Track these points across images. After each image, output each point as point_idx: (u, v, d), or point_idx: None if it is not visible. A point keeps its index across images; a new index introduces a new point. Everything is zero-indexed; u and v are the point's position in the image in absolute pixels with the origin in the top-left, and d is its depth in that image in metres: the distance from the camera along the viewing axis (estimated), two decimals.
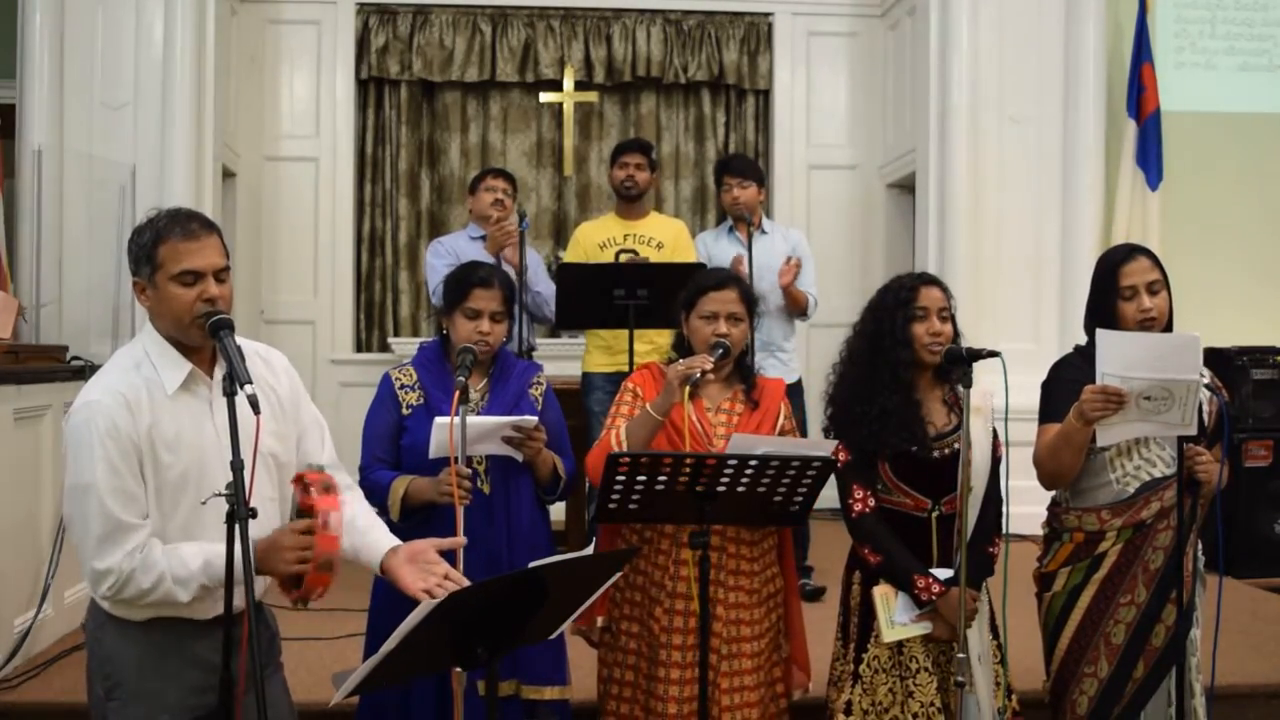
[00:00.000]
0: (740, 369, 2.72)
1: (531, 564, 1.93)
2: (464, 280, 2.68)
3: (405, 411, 2.69)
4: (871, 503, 2.60)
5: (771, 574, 2.68)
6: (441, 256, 4.22)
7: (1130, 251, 2.66)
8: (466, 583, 2.04)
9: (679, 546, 2.57)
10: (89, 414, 1.93)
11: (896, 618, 2.54)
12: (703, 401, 2.65)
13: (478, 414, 2.59)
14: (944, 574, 2.54)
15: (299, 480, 2.02)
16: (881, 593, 2.56)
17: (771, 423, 2.67)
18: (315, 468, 2.06)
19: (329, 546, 1.93)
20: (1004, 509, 2.64)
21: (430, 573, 2.04)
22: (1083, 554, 2.63)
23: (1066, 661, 2.64)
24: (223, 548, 1.85)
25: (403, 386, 2.72)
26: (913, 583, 2.53)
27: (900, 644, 2.56)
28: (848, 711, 2.58)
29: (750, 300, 2.69)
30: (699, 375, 2.52)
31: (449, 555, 2.18)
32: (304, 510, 1.98)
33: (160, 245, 1.96)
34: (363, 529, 2.14)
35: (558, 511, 4.06)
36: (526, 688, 2.65)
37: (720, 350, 2.57)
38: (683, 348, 2.71)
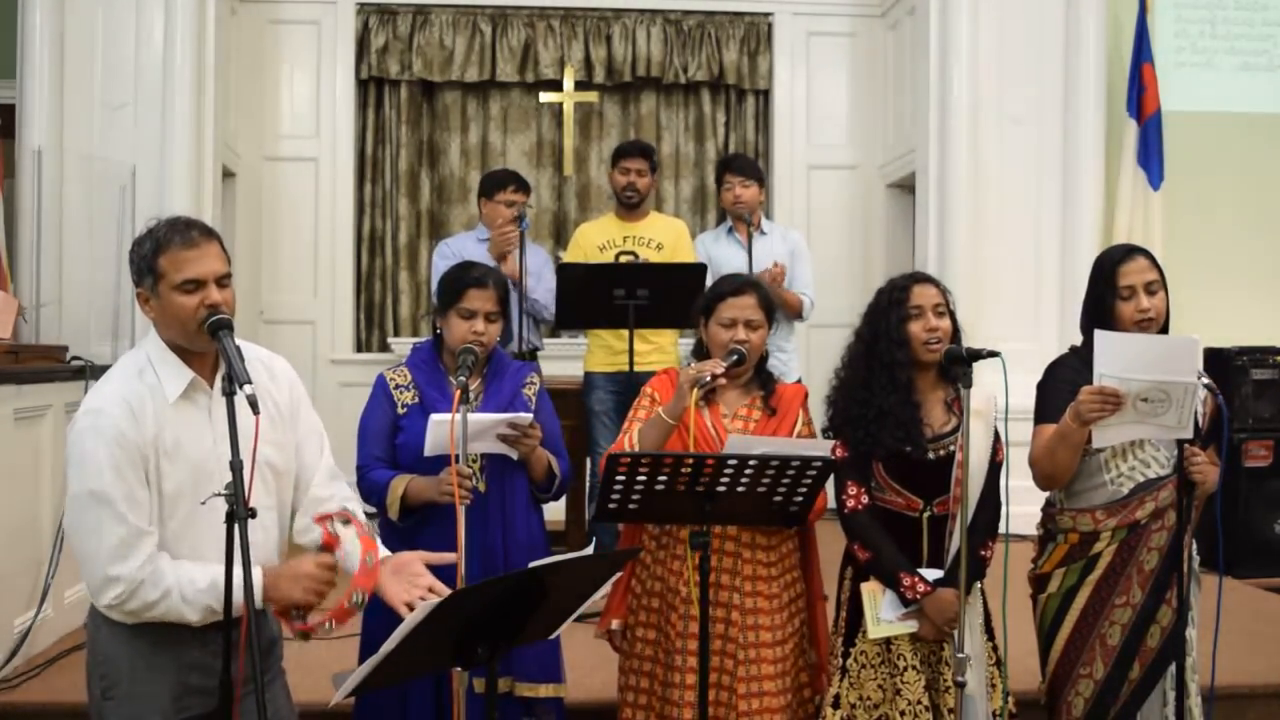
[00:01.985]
0: (759, 375, 2.72)
1: (531, 564, 1.93)
2: (459, 280, 2.68)
3: (400, 411, 2.69)
4: (865, 500, 2.61)
5: (792, 578, 2.67)
6: (448, 259, 4.20)
7: (1129, 251, 2.66)
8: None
9: (692, 552, 2.56)
10: (95, 421, 1.93)
11: (882, 615, 2.55)
12: (720, 407, 2.65)
13: (473, 412, 2.59)
14: (932, 574, 2.55)
15: (326, 519, 2.03)
16: (869, 589, 2.57)
17: (789, 430, 2.66)
18: (349, 512, 2.10)
19: (367, 585, 1.96)
20: (1004, 510, 2.64)
21: (415, 585, 2.04)
22: (1077, 555, 2.63)
23: (1062, 663, 2.64)
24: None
25: (397, 386, 2.72)
26: (899, 581, 2.53)
27: (889, 641, 2.57)
28: (835, 705, 2.58)
29: (769, 306, 2.68)
30: (709, 379, 2.51)
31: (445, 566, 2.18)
32: (326, 547, 2.00)
33: (161, 255, 1.96)
34: (354, 539, 2.13)
35: (558, 511, 4.07)
36: (521, 685, 2.65)
37: (735, 356, 2.57)
38: (701, 353, 2.71)
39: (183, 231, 1.99)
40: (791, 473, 2.37)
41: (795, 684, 2.64)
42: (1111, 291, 2.60)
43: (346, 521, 2.07)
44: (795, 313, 4.43)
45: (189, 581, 1.93)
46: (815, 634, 2.71)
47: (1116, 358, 2.39)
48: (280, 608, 2.00)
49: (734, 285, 2.68)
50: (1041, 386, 2.69)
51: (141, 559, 1.90)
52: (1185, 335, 2.48)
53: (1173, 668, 2.54)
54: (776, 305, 4.34)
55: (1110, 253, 2.71)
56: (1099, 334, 2.44)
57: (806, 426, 2.72)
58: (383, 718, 2.61)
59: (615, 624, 2.67)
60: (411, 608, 1.96)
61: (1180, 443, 2.51)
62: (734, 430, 2.62)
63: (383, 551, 2.16)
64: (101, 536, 1.90)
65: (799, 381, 4.51)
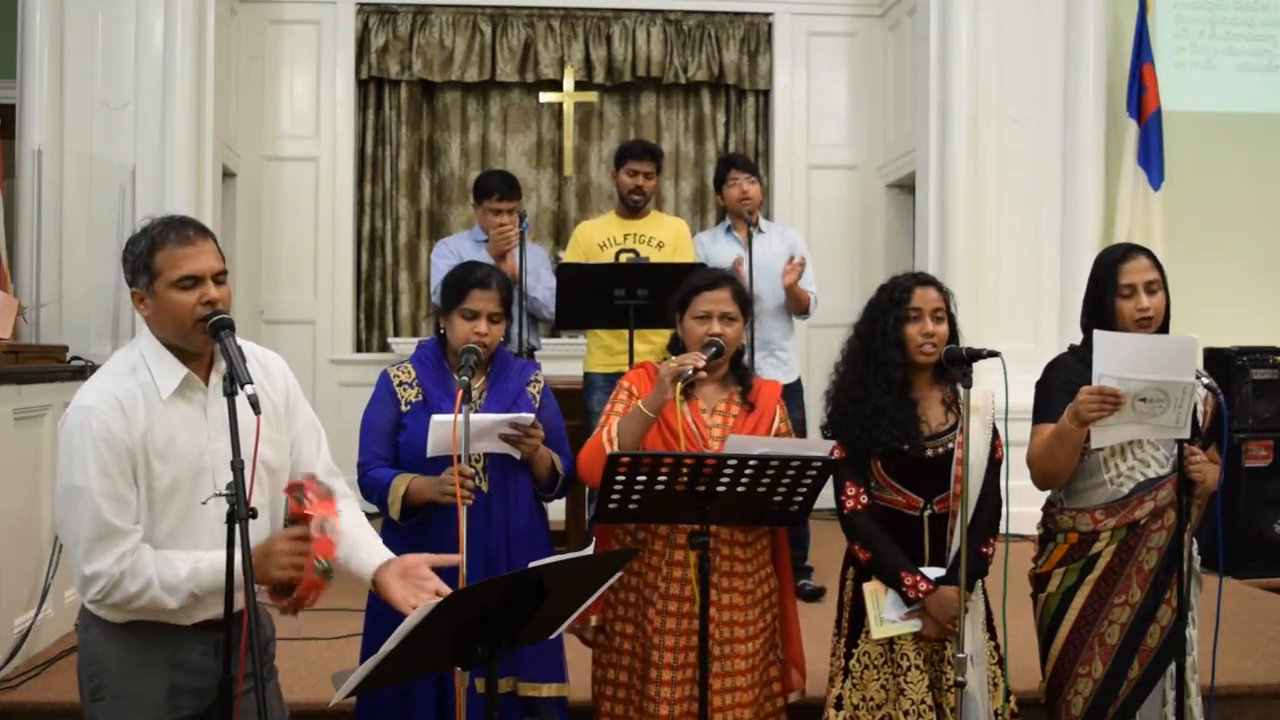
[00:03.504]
0: (736, 370, 2.72)
1: (531, 564, 1.93)
2: (462, 281, 2.68)
3: (404, 409, 2.69)
4: (864, 500, 2.61)
5: (765, 575, 2.68)
6: (445, 258, 4.22)
7: (1129, 250, 2.66)
8: None
9: (672, 547, 2.58)
10: (83, 417, 1.93)
11: (885, 614, 2.55)
12: (699, 402, 2.65)
13: (476, 412, 2.59)
14: (934, 573, 2.55)
15: (293, 488, 2.02)
16: (871, 589, 2.57)
17: (768, 424, 2.67)
18: (308, 476, 2.06)
19: (326, 552, 1.93)
20: (1004, 509, 2.64)
21: (421, 588, 2.03)
22: (1076, 555, 2.63)
23: (1061, 662, 2.64)
24: (212, 555, 1.86)
25: (401, 384, 2.71)
26: (900, 580, 2.53)
27: (892, 641, 2.57)
28: (838, 706, 2.59)
29: (744, 300, 2.69)
30: (691, 372, 2.52)
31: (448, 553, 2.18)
32: (297, 519, 1.98)
33: (157, 253, 1.96)
34: (356, 540, 2.13)
35: (558, 511, 4.06)
36: (524, 685, 2.65)
37: (713, 349, 2.58)
38: (677, 348, 2.71)
39: (178, 229, 1.98)
40: (791, 473, 2.37)
41: (764, 679, 2.64)
42: (1112, 289, 2.60)
43: (324, 494, 2.04)
44: (803, 309, 4.44)
45: (169, 569, 1.92)
46: (785, 631, 2.71)
47: (1115, 358, 2.39)
48: (267, 588, 1.99)
49: (709, 279, 2.68)
50: (1040, 386, 2.69)
51: (119, 553, 1.90)
52: (1184, 335, 2.47)
53: (1172, 667, 2.54)
54: (786, 302, 4.39)
55: (1111, 251, 2.71)
56: (1098, 334, 2.44)
57: (784, 422, 2.72)
58: (384, 718, 2.61)
59: (594, 620, 2.66)
60: None
61: (1179, 442, 2.51)
62: (714, 425, 2.63)
63: (379, 545, 2.16)
64: (82, 532, 1.90)
65: (798, 381, 4.53)
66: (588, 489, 4.54)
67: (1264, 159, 6.03)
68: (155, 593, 1.92)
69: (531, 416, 2.60)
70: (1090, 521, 2.61)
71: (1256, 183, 6.02)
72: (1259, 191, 6.02)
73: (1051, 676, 2.68)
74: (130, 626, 1.99)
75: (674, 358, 2.59)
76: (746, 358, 4.05)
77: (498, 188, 4.41)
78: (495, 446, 2.61)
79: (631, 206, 4.45)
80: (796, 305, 4.41)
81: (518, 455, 2.63)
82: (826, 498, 2.58)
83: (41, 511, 3.71)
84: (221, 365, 1.95)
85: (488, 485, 2.65)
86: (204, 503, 1.93)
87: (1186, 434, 2.46)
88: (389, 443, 2.69)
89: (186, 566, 1.93)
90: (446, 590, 2.04)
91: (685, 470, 2.32)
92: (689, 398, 2.62)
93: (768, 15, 6.72)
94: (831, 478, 2.56)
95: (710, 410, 2.66)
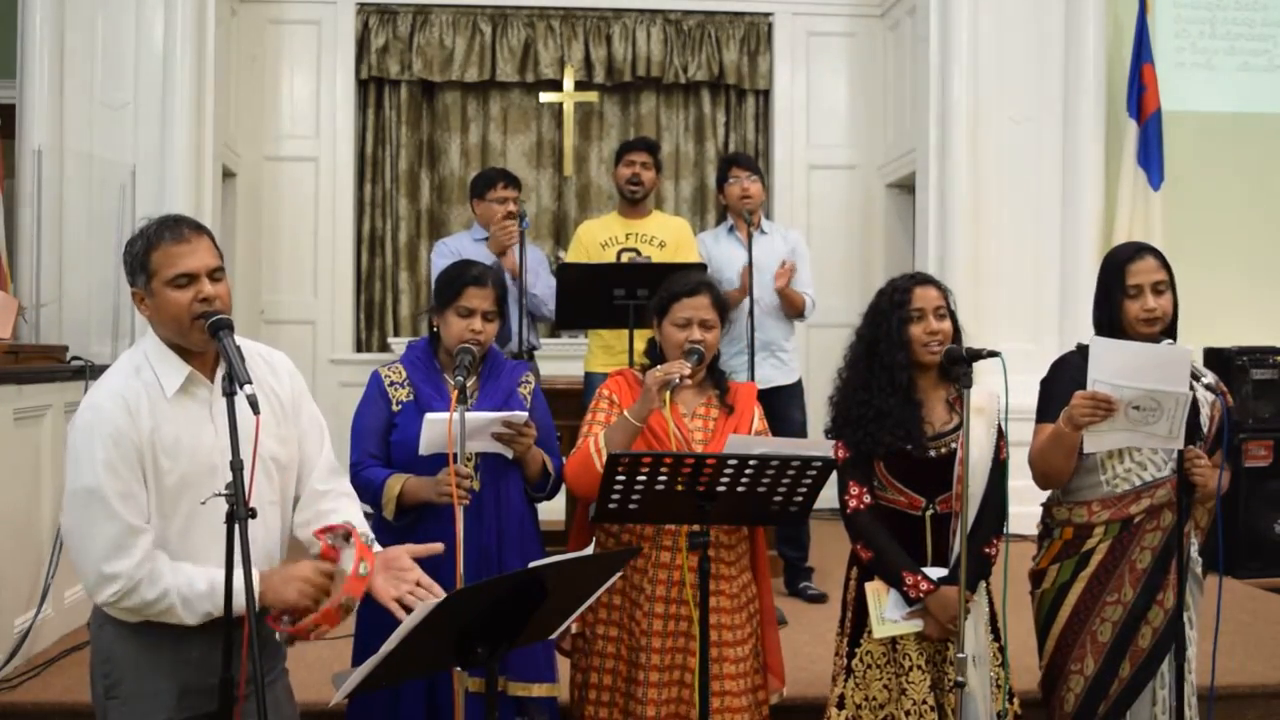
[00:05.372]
0: (713, 374, 2.73)
1: (532, 564, 1.93)
2: (457, 279, 2.67)
3: (395, 408, 2.68)
4: (867, 499, 2.61)
5: (747, 580, 2.68)
6: (446, 257, 4.21)
7: (1138, 250, 2.64)
8: (439, 590, 2.03)
9: (658, 550, 2.58)
10: (91, 418, 1.94)
11: (887, 614, 2.55)
12: (678, 407, 2.65)
13: (469, 411, 2.58)
14: (936, 573, 2.55)
15: (331, 531, 2.03)
16: (873, 589, 2.58)
17: (747, 426, 2.68)
18: (351, 525, 2.07)
19: (355, 590, 1.94)
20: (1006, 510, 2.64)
21: (402, 580, 2.03)
22: (1071, 550, 2.64)
23: (1055, 658, 2.65)
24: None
25: (392, 384, 2.71)
26: (902, 580, 2.54)
27: (894, 641, 2.57)
28: (840, 705, 2.59)
29: (722, 306, 2.70)
30: (678, 380, 2.52)
31: (444, 554, 2.18)
32: (326, 559, 2.00)
33: (153, 252, 1.98)
34: (349, 554, 2.13)
35: (558, 512, 4.06)
36: (514, 684, 2.63)
37: (695, 356, 2.58)
38: (655, 353, 2.72)
39: (173, 228, 2.00)
40: (791, 473, 2.37)
41: (753, 684, 2.64)
42: (1119, 289, 2.59)
43: (348, 536, 2.06)
44: (798, 312, 4.44)
45: (188, 584, 1.93)
46: (763, 635, 2.71)
47: (1109, 364, 2.39)
48: (273, 611, 1.99)
49: (688, 286, 2.68)
50: (1044, 385, 2.69)
51: (139, 556, 1.91)
52: (1178, 346, 2.48)
53: (1164, 667, 2.54)
54: (781, 305, 4.39)
55: (1120, 251, 2.69)
56: (1093, 340, 2.44)
57: (762, 421, 2.73)
58: (375, 717, 2.61)
59: (574, 627, 2.65)
60: (402, 603, 1.97)
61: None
62: (695, 429, 2.64)
63: (376, 548, 2.16)
64: (96, 533, 1.91)
65: (799, 381, 4.53)
66: None
67: (1264, 159, 6.03)
68: (171, 603, 1.92)
69: (525, 415, 2.59)
70: (1086, 513, 2.61)
71: (1256, 183, 6.02)
72: (1259, 191, 6.02)
73: (1046, 672, 2.69)
74: (144, 626, 1.99)
75: (659, 367, 2.59)
76: (747, 358, 4.07)
77: (501, 176, 4.45)
78: (488, 445, 2.60)
79: (630, 198, 4.43)
80: (790, 308, 4.40)
81: (510, 454, 2.63)
82: (828, 498, 2.58)
83: (41, 511, 3.71)
84: (224, 366, 1.95)
85: (479, 484, 2.64)
86: (203, 503, 1.94)
87: (1180, 445, 2.45)
88: (381, 442, 2.68)
89: (206, 583, 1.93)
90: (428, 581, 2.04)
91: (685, 470, 2.32)
92: (669, 403, 2.62)
93: (768, 15, 6.72)
94: (835, 477, 2.57)
95: (690, 415, 2.67)
